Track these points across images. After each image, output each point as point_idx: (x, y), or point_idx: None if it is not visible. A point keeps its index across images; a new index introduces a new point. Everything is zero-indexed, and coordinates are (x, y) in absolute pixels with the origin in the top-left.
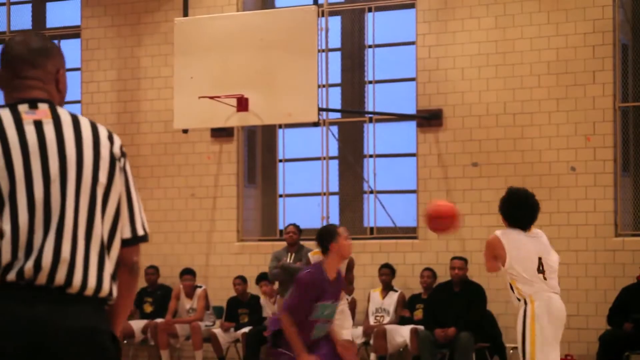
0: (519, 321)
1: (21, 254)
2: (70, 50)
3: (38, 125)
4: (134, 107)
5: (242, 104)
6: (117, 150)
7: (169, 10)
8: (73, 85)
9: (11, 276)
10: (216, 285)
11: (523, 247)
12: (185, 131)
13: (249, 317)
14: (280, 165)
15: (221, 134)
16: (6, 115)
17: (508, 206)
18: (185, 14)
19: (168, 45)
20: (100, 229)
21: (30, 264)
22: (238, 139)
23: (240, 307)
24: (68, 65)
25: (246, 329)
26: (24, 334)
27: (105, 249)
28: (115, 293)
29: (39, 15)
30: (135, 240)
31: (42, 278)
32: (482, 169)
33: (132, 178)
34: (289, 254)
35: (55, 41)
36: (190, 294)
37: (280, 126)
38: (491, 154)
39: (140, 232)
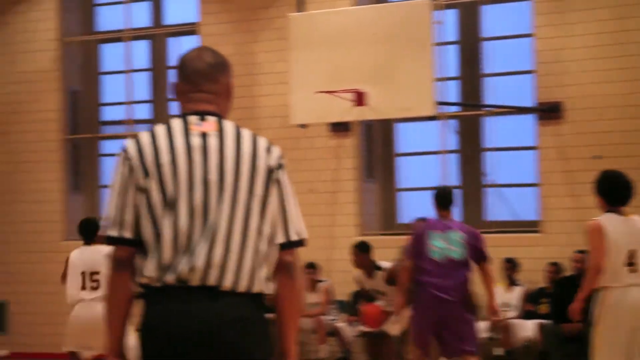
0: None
1: (179, 256)
2: (188, 47)
3: (204, 137)
4: (251, 103)
5: (359, 99)
6: (273, 161)
7: (284, 6)
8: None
9: (170, 278)
10: (338, 280)
11: (616, 235)
12: (303, 126)
13: None
14: (398, 159)
15: (339, 128)
16: (177, 124)
17: (601, 186)
18: (300, 9)
19: (284, 40)
20: (255, 236)
21: (185, 268)
22: (356, 134)
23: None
24: None
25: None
26: (187, 326)
27: (259, 253)
28: (269, 290)
29: (157, 13)
30: (289, 245)
31: (195, 280)
32: (605, 162)
33: (289, 187)
34: None
35: (173, 38)
36: (313, 288)
37: (397, 120)
38: (614, 146)
39: (294, 238)
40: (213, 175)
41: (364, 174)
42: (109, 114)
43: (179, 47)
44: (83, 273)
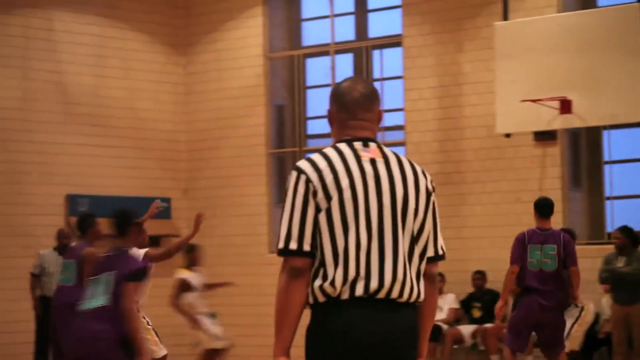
0: None
1: (362, 272)
2: (392, 58)
3: (373, 162)
4: (456, 113)
5: (565, 106)
6: (430, 185)
7: (489, 15)
8: (395, 93)
9: (359, 291)
10: None
11: None
12: (507, 135)
13: None
14: (606, 167)
15: (544, 137)
16: (346, 150)
17: None
18: (505, 18)
19: (489, 50)
20: (417, 251)
21: (374, 283)
22: (562, 142)
23: None
24: (390, 74)
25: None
26: (375, 331)
27: (419, 266)
28: (423, 297)
29: (361, 26)
30: (437, 258)
31: (382, 293)
32: None
33: (437, 206)
34: (620, 258)
35: (377, 50)
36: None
37: (605, 127)
38: None
39: (440, 252)
40: (386, 199)
41: (570, 182)
42: (314, 127)
43: (383, 60)
44: None
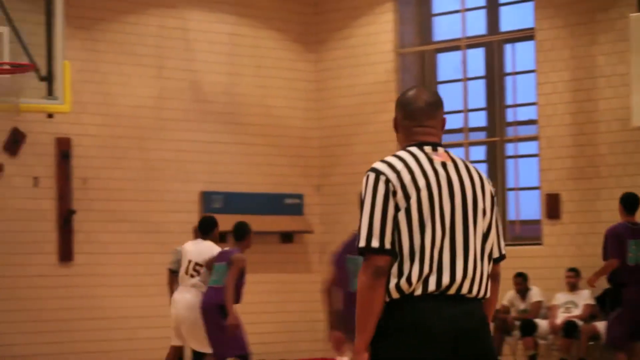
0: None
1: (434, 267)
2: (524, 52)
3: (444, 165)
4: (590, 107)
5: None
6: (493, 188)
7: (624, 7)
8: (528, 87)
9: (432, 287)
10: None
11: None
12: None
13: None
14: None
15: None
16: (419, 153)
17: None
18: None
19: (623, 42)
20: (487, 251)
21: (446, 279)
22: None
23: None
24: (522, 68)
25: None
26: (448, 325)
27: (487, 265)
28: (489, 294)
29: (493, 20)
30: (500, 259)
31: (453, 289)
32: None
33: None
34: None
35: (509, 44)
36: None
37: None
38: None
39: (503, 252)
40: (458, 200)
41: None
42: (446, 123)
43: (515, 53)
44: (189, 261)
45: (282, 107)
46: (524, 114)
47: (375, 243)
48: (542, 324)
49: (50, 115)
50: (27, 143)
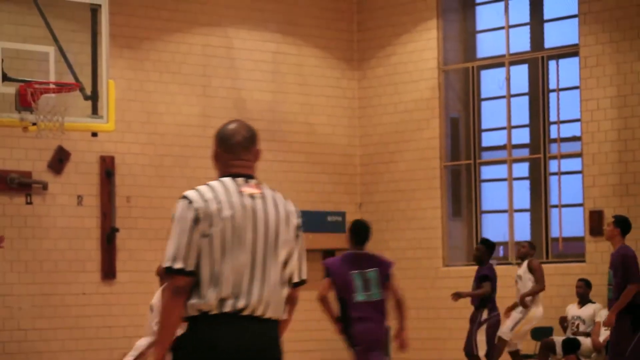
0: None
1: (232, 291)
2: (569, 68)
3: (252, 197)
4: (635, 123)
5: None
6: (299, 220)
7: None
8: (573, 103)
9: (228, 308)
10: None
11: None
12: None
13: None
14: None
15: None
16: (230, 184)
17: None
18: None
19: None
20: (285, 279)
21: (242, 302)
22: None
23: None
24: (566, 84)
25: None
26: (237, 343)
27: (286, 290)
28: (285, 315)
29: (537, 36)
30: (300, 283)
31: (247, 311)
32: None
33: (303, 239)
34: None
35: (553, 60)
36: None
37: None
38: None
39: (304, 277)
40: (261, 231)
41: None
42: (488, 139)
43: (559, 70)
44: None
45: (324, 124)
46: (568, 130)
47: (178, 265)
48: (585, 341)
49: (94, 134)
50: (71, 161)
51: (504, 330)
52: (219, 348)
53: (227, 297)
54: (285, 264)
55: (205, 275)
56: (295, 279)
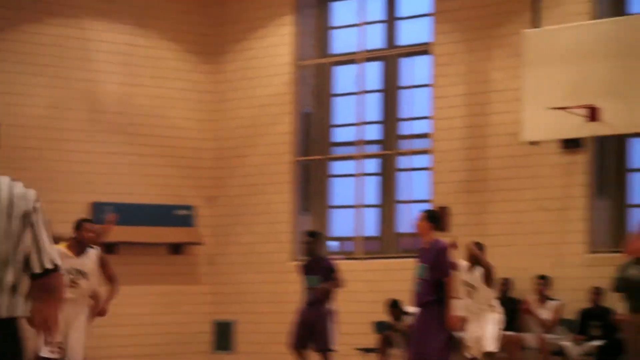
0: None
1: None
2: (421, 66)
3: None
4: (482, 121)
5: (593, 114)
6: (29, 205)
7: (519, 23)
8: (423, 101)
9: None
10: (566, 298)
11: None
12: (534, 143)
13: (601, 329)
14: (631, 175)
15: (570, 145)
16: None
17: None
18: (535, 26)
19: (517, 57)
20: (15, 270)
21: None
22: (588, 150)
23: (592, 319)
24: (419, 82)
25: (598, 342)
26: None
27: (21, 285)
28: (25, 311)
29: (391, 34)
30: (48, 272)
31: None
32: None
33: (42, 223)
34: (635, 266)
35: (407, 58)
36: (542, 303)
37: (631, 135)
38: None
39: (49, 266)
40: None
41: (595, 190)
42: (340, 135)
43: (411, 67)
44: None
45: (177, 118)
46: (419, 127)
47: None
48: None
49: None
50: None
51: (490, 343)
52: None
53: None
54: (14, 255)
55: None
56: (37, 269)
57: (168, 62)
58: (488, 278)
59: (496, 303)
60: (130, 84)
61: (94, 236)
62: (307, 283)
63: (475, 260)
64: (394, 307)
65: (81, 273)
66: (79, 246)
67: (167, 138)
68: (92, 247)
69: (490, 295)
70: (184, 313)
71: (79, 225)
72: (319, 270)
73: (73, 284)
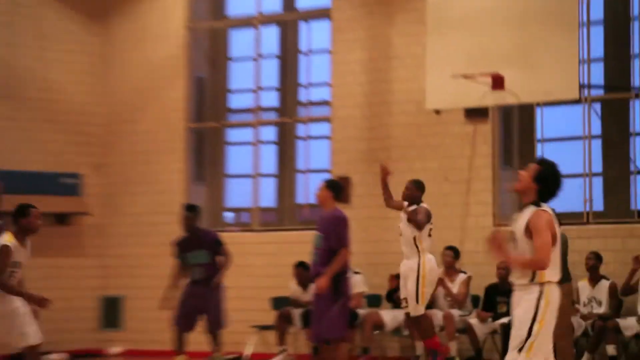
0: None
1: None
2: (320, 31)
3: None
4: (385, 88)
5: (498, 82)
6: None
7: None
8: (323, 67)
9: None
10: (471, 272)
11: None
12: (438, 112)
13: (508, 306)
14: (539, 145)
15: (475, 114)
16: None
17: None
18: None
19: (420, 23)
20: None
21: None
22: (493, 119)
23: (500, 296)
24: (318, 47)
25: (505, 319)
26: None
27: None
28: None
29: None
30: None
31: None
32: None
33: None
34: None
35: (305, 23)
36: (451, 277)
37: (538, 104)
38: None
39: None
40: None
41: (500, 161)
42: (236, 101)
43: (310, 32)
44: None
45: (63, 81)
46: (318, 94)
47: None
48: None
49: None
50: None
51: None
52: None
53: None
54: None
55: None
56: None
57: (54, 22)
58: None
59: None
60: (13, 44)
61: None
62: (192, 260)
63: None
64: (302, 267)
65: None
66: None
67: (51, 102)
68: None
69: None
70: (69, 288)
71: None
72: (203, 244)
73: None
